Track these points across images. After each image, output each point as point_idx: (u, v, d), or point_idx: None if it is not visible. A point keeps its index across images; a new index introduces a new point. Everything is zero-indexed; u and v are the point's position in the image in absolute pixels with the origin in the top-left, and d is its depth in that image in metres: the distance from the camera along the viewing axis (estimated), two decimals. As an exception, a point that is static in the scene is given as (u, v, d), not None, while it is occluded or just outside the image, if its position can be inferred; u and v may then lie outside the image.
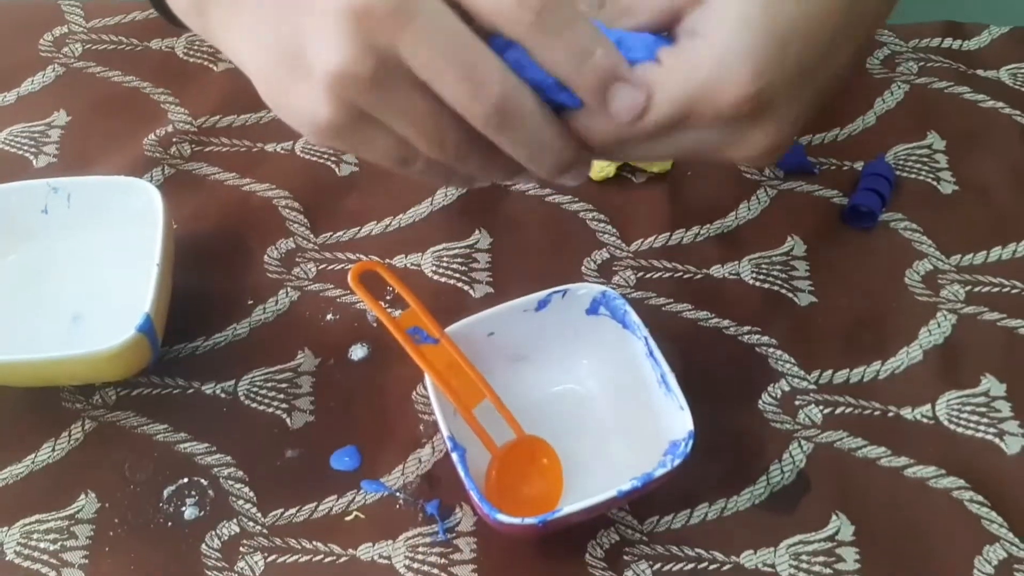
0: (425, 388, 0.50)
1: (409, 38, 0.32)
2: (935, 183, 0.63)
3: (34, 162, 0.62)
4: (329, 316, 0.56)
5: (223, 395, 0.53)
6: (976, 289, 0.58)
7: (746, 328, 0.56)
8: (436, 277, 0.58)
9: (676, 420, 0.46)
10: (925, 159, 0.64)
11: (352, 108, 0.34)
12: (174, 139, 0.63)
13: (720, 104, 0.35)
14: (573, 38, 0.33)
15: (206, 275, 0.57)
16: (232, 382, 0.54)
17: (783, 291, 0.58)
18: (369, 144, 0.36)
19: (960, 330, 0.56)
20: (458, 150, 0.35)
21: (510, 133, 0.34)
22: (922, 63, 0.69)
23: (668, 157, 0.40)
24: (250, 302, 0.57)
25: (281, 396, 0.53)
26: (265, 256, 0.59)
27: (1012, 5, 1.12)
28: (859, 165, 0.63)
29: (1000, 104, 0.67)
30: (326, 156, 0.63)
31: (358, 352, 0.55)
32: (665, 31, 0.37)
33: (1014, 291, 0.58)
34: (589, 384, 0.53)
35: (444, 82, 0.33)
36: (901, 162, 0.64)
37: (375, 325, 0.56)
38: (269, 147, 0.63)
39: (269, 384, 0.54)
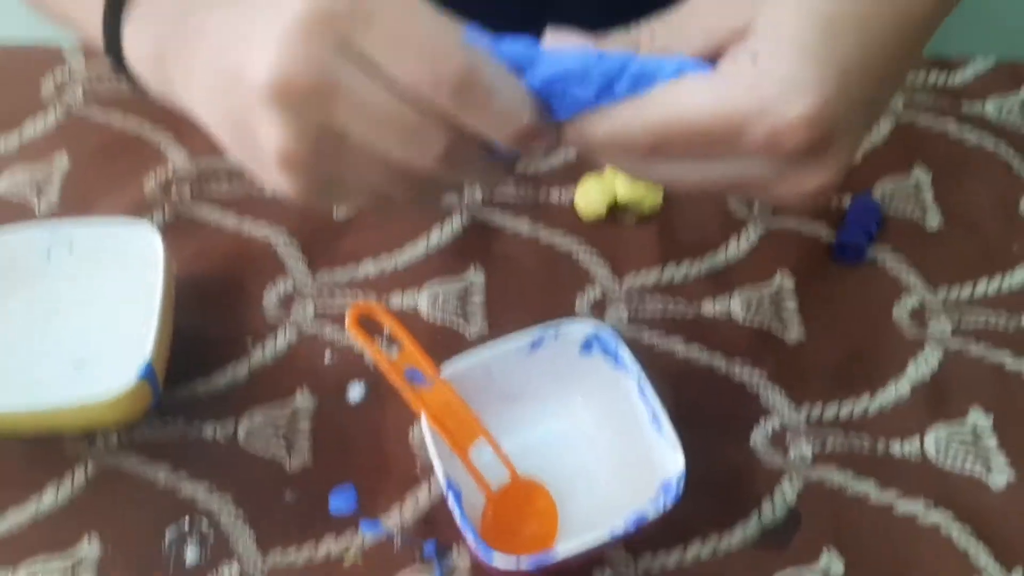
0: (422, 427, 0.51)
1: (339, 113, 0.33)
2: (922, 218, 0.64)
3: (36, 207, 0.63)
4: (327, 356, 0.57)
5: (222, 437, 0.54)
6: (963, 323, 0.59)
7: (737, 365, 0.57)
8: (432, 316, 0.59)
9: (668, 459, 0.47)
10: (911, 194, 0.65)
11: (308, 178, 0.35)
12: (174, 182, 0.64)
13: (782, 132, 0.33)
14: (497, 108, 0.33)
15: (206, 316, 0.58)
16: (231, 424, 0.54)
17: (773, 327, 0.59)
18: (343, 197, 0.37)
19: (948, 364, 0.57)
20: (420, 186, 0.36)
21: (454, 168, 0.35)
22: (907, 97, 0.70)
23: (710, 187, 0.37)
24: (249, 344, 0.58)
25: (280, 437, 0.54)
26: (264, 297, 0.60)
27: (996, 37, 1.13)
28: (846, 201, 0.64)
29: (985, 138, 0.68)
30: (323, 197, 0.64)
31: (356, 392, 0.56)
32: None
33: (1000, 325, 0.59)
34: (583, 422, 0.54)
35: (387, 144, 0.34)
36: (888, 197, 0.65)
37: (372, 366, 0.57)
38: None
39: (268, 425, 0.54)
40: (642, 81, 0.34)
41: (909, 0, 0.35)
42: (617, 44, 0.36)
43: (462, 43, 0.33)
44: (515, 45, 0.35)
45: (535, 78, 0.35)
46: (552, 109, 0.36)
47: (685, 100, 0.33)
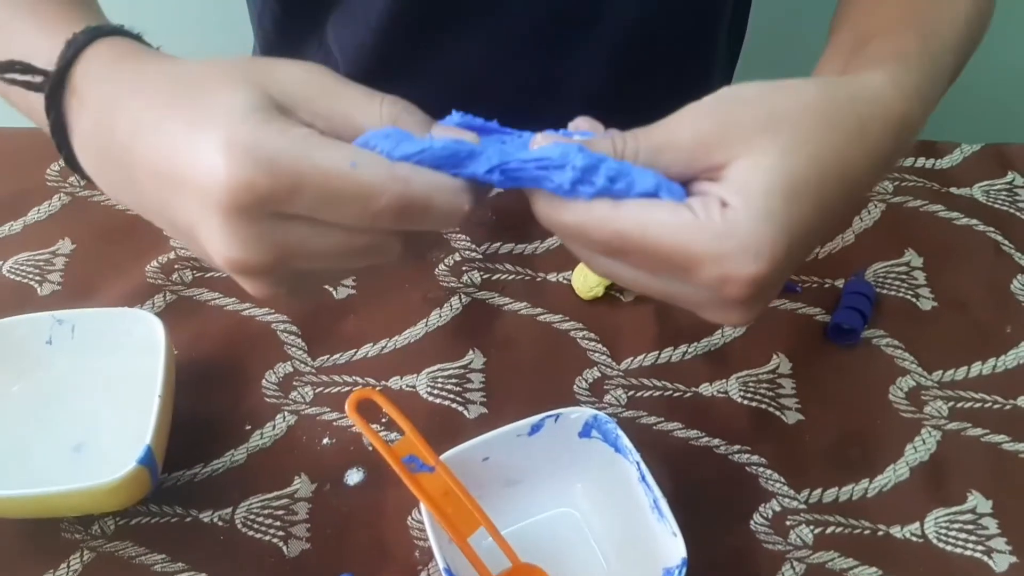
0: (421, 512, 0.50)
1: (296, 259, 0.36)
2: (914, 299, 0.65)
3: (39, 290, 0.64)
4: (326, 440, 0.57)
5: (220, 523, 0.54)
6: (959, 405, 0.59)
7: (736, 447, 0.57)
8: (431, 398, 0.59)
9: (669, 546, 0.47)
10: (904, 276, 0.66)
11: (264, 278, 0.37)
12: (176, 265, 0.65)
13: (730, 283, 0.36)
14: (438, 211, 0.36)
15: (205, 400, 0.59)
16: (229, 510, 0.54)
17: (771, 409, 0.59)
18: (302, 286, 0.39)
19: (945, 446, 0.58)
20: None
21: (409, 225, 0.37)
22: (897, 182, 0.72)
23: (647, 292, 0.40)
24: (248, 427, 0.58)
25: (278, 524, 0.54)
26: (263, 380, 0.60)
27: (982, 123, 1.16)
28: (840, 283, 0.65)
29: (974, 221, 0.69)
30: (323, 280, 0.65)
31: (354, 476, 0.56)
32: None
33: (996, 406, 0.60)
34: (583, 508, 0.54)
35: (346, 263, 0.37)
36: (881, 279, 0.66)
37: (371, 448, 0.57)
38: (268, 271, 0.65)
39: (266, 511, 0.54)
40: (618, 183, 0.36)
41: (864, 159, 0.38)
42: (598, 146, 0.38)
43: (387, 172, 0.35)
44: (448, 143, 0.37)
45: (481, 168, 0.37)
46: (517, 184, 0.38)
47: (656, 222, 0.36)
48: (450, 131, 0.38)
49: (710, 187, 0.37)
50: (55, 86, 0.40)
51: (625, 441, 0.51)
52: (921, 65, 0.44)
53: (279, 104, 0.35)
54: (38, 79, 0.41)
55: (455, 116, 0.39)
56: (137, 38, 0.43)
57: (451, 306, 0.64)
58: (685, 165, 0.37)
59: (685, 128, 0.37)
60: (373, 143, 0.36)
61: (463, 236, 0.68)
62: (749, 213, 0.35)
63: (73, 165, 0.42)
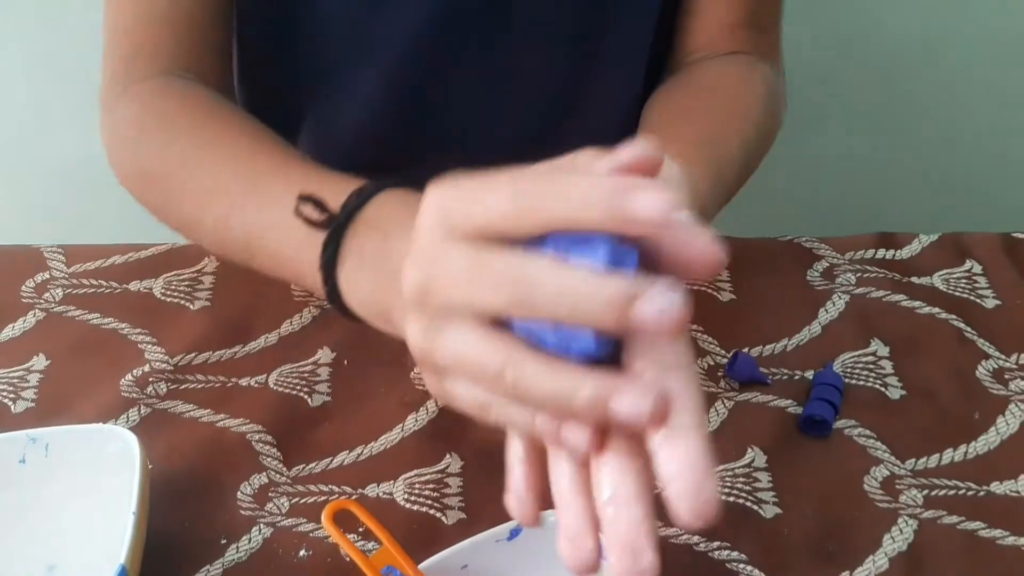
0: (401, 625, 0.50)
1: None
2: (883, 388, 0.66)
3: (12, 408, 0.63)
4: (303, 552, 0.57)
5: (196, 642, 0.53)
6: (933, 492, 0.60)
7: (716, 543, 0.57)
8: (408, 505, 0.59)
9: (652, 649, 0.47)
10: (872, 365, 0.68)
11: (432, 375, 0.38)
12: (150, 378, 0.65)
13: None
14: (550, 390, 0.33)
15: (180, 514, 0.58)
16: (205, 628, 0.53)
17: (748, 503, 0.59)
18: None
19: (922, 535, 0.58)
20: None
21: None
22: (859, 274, 0.74)
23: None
24: (223, 541, 0.57)
25: (255, 640, 0.53)
26: (239, 492, 0.59)
27: (939, 214, 1.19)
28: (809, 374, 0.66)
29: (936, 309, 0.71)
30: (298, 387, 0.65)
31: (332, 588, 0.55)
32: None
33: (970, 492, 0.60)
34: (564, 608, 0.53)
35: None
36: (849, 369, 0.67)
37: (348, 560, 0.56)
38: (244, 381, 0.66)
39: (243, 628, 0.53)
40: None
41: None
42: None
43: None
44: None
45: None
46: None
47: None
48: None
49: None
50: (339, 229, 0.47)
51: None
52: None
53: None
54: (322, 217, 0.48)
55: None
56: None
57: (427, 409, 0.64)
58: None
59: None
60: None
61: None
62: None
63: (336, 299, 0.48)
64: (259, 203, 0.54)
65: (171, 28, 0.65)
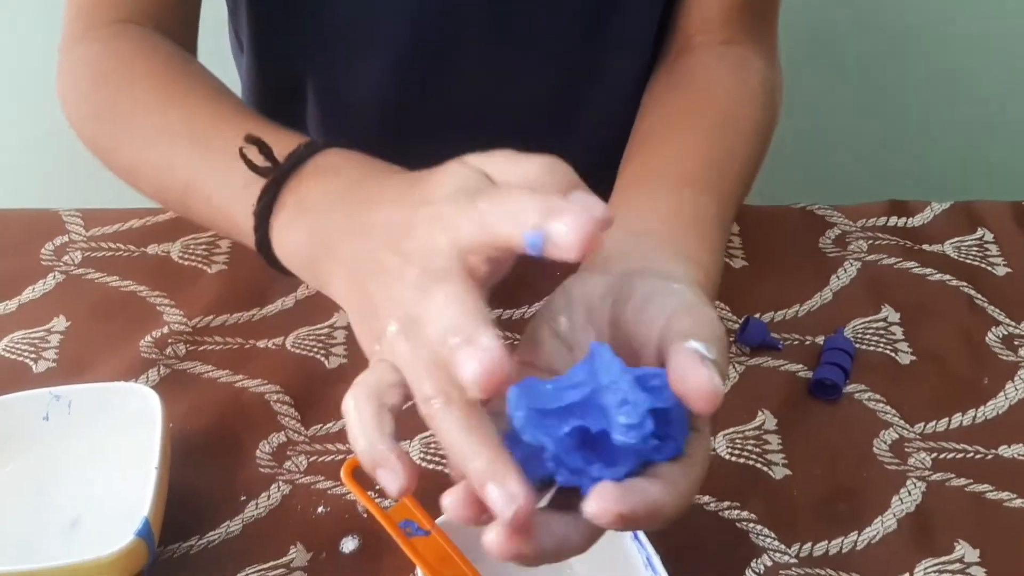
0: (417, 579, 0.51)
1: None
2: (893, 354, 0.67)
3: (33, 368, 0.65)
4: (320, 508, 0.58)
5: (217, 595, 0.54)
6: (942, 456, 0.61)
7: (726, 503, 0.58)
8: (424, 463, 0.60)
9: (663, 603, 0.48)
10: (882, 331, 0.68)
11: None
12: (169, 340, 0.66)
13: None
14: (453, 444, 0.37)
15: (201, 472, 0.59)
16: (226, 581, 0.54)
17: (758, 465, 0.60)
18: None
19: (930, 497, 0.59)
20: None
21: None
22: (871, 241, 0.74)
23: None
24: (243, 498, 0.58)
25: (275, 593, 0.54)
26: (257, 451, 0.61)
27: (951, 181, 1.19)
28: (820, 339, 0.67)
29: (947, 276, 0.72)
30: (315, 350, 0.66)
31: (349, 544, 0.56)
32: None
33: (978, 456, 0.61)
34: (577, 568, 0.54)
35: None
36: (860, 335, 0.68)
37: (365, 516, 0.57)
38: (261, 343, 0.66)
39: (263, 581, 0.55)
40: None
41: None
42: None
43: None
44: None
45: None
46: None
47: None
48: None
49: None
50: (282, 176, 0.48)
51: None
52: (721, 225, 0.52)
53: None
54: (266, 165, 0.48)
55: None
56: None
57: (442, 372, 0.65)
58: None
59: None
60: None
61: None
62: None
63: (265, 248, 0.49)
64: (206, 146, 0.54)
65: None
